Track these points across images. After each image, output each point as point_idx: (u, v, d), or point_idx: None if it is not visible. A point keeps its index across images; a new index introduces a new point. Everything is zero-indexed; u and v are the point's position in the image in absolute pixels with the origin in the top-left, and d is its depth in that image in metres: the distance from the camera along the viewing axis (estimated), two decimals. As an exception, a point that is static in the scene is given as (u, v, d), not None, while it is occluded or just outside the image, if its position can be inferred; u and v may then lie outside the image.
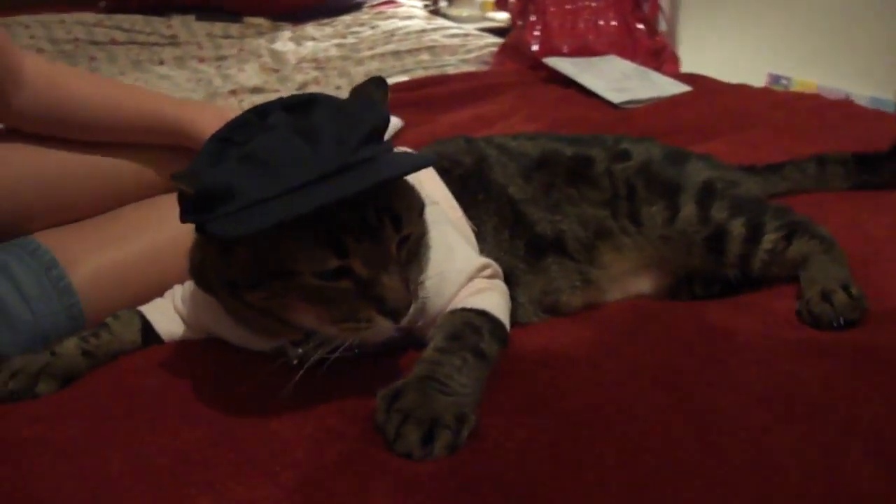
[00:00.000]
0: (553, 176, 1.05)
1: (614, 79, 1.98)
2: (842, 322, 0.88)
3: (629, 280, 1.04)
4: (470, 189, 1.02)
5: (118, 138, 1.08)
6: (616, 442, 0.69)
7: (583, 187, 1.04)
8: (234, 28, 2.70)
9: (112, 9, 2.61)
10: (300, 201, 0.68)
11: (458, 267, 0.89)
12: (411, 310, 0.75)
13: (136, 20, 2.51)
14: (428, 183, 1.00)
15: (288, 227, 0.71)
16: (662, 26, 3.03)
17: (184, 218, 0.75)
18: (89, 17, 2.48)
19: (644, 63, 2.12)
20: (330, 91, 2.17)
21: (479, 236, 0.99)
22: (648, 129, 1.66)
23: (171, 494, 0.65)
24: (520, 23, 2.34)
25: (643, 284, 1.04)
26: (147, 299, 0.98)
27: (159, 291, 0.99)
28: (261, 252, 0.73)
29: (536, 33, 2.24)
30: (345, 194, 0.69)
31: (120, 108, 1.06)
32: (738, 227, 1.00)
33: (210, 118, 1.03)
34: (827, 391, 0.76)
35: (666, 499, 0.63)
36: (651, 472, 0.65)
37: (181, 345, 0.93)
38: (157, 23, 2.54)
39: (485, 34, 2.82)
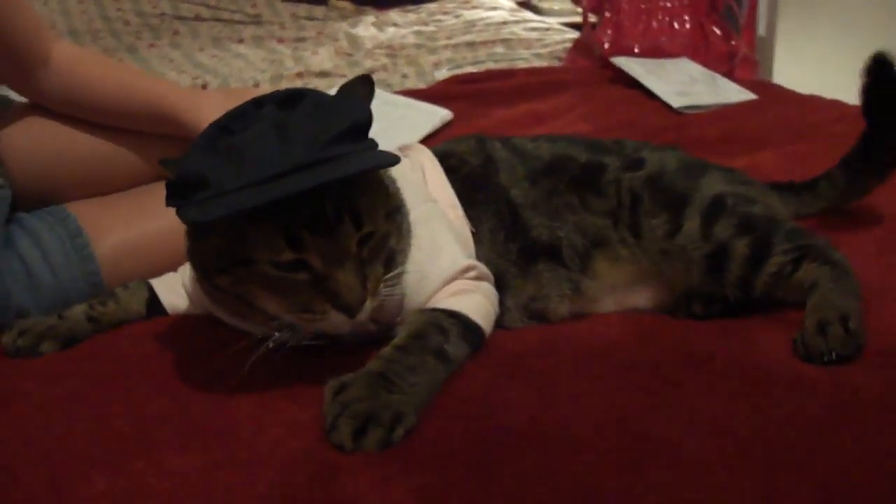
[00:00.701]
0: (558, 182, 1.03)
1: (680, 82, 1.92)
2: (833, 357, 0.84)
3: (624, 293, 1.01)
4: (473, 189, 1.02)
5: (128, 125, 1.13)
6: (542, 460, 0.68)
7: (586, 195, 1.02)
8: (318, 10, 2.77)
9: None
10: (256, 194, 0.71)
11: (442, 267, 0.91)
12: (368, 306, 0.77)
13: (223, -3, 2.62)
14: (431, 181, 1.01)
15: (251, 218, 0.74)
16: (761, 31, 2.90)
17: (167, 202, 0.80)
18: (176, -9, 2.60)
19: (716, 68, 2.05)
20: (396, 79, 2.21)
21: (476, 237, 0.99)
22: (700, 135, 1.62)
23: (114, 456, 0.70)
24: (592, 19, 2.30)
25: (639, 298, 1.02)
26: (163, 273, 1.04)
27: (173, 267, 1.05)
28: (226, 239, 0.77)
29: (609, 31, 2.19)
30: (297, 189, 0.71)
31: (128, 95, 1.12)
32: (741, 247, 0.95)
33: (212, 109, 1.06)
34: (791, 431, 0.72)
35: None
36: (564, 494, 0.64)
37: (179, 319, 0.99)
38: (243, 1, 2.64)
39: (566, 29, 2.77)
